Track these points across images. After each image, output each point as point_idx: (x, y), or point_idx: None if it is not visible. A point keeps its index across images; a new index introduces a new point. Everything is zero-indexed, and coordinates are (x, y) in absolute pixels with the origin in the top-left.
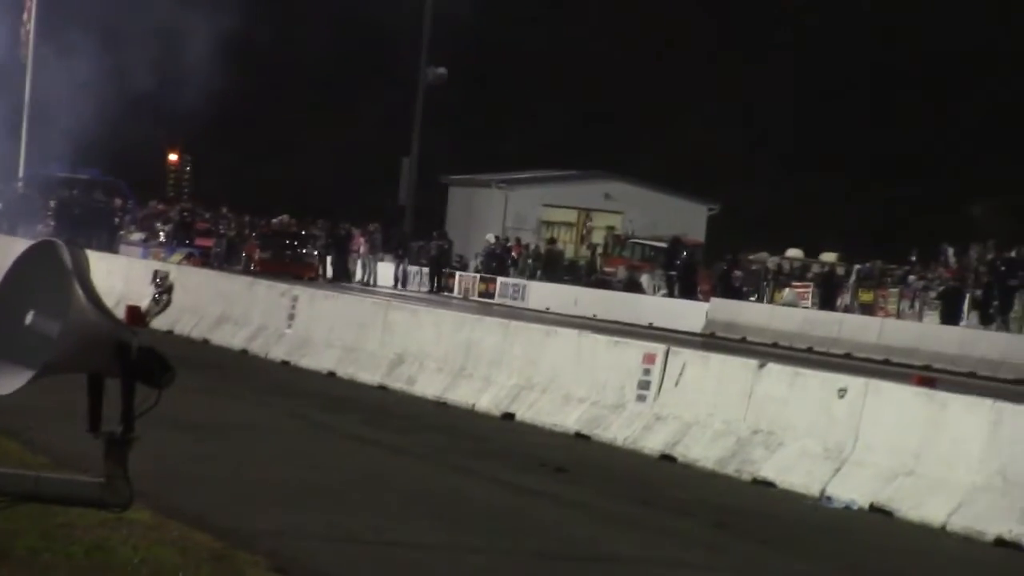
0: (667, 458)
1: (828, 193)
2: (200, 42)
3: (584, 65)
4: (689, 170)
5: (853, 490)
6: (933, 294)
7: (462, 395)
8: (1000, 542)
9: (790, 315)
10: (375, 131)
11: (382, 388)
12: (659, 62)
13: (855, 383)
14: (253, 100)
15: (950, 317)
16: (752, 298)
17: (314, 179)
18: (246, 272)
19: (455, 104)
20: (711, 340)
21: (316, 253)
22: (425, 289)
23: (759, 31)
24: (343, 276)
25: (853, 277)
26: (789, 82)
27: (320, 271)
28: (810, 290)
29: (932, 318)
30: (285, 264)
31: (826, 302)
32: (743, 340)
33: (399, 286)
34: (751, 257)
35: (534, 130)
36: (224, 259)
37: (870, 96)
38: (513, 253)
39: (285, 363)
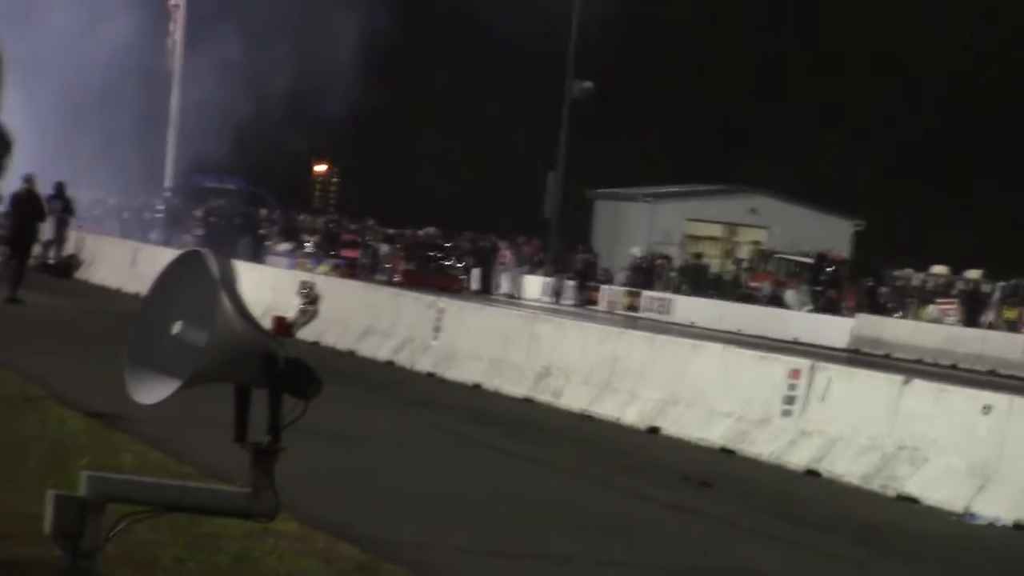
0: (812, 473)
1: (974, 210)
2: (348, 54)
3: (731, 79)
4: (835, 186)
5: (998, 507)
6: None
7: (608, 408)
8: None
9: (935, 332)
10: (521, 144)
11: (528, 401)
12: (807, 77)
13: (1000, 400)
14: (400, 112)
15: None
16: (897, 314)
17: (460, 192)
18: (390, 283)
19: (602, 117)
20: (856, 356)
21: (460, 265)
22: (570, 302)
23: (904, 49)
24: (488, 289)
25: (998, 294)
26: (937, 99)
27: (464, 283)
28: (955, 307)
29: None
30: (429, 276)
31: (971, 319)
32: (887, 356)
33: (557, 300)
34: (896, 273)
35: (681, 144)
36: (370, 270)
37: (1019, 112)
38: (659, 267)
39: (431, 375)
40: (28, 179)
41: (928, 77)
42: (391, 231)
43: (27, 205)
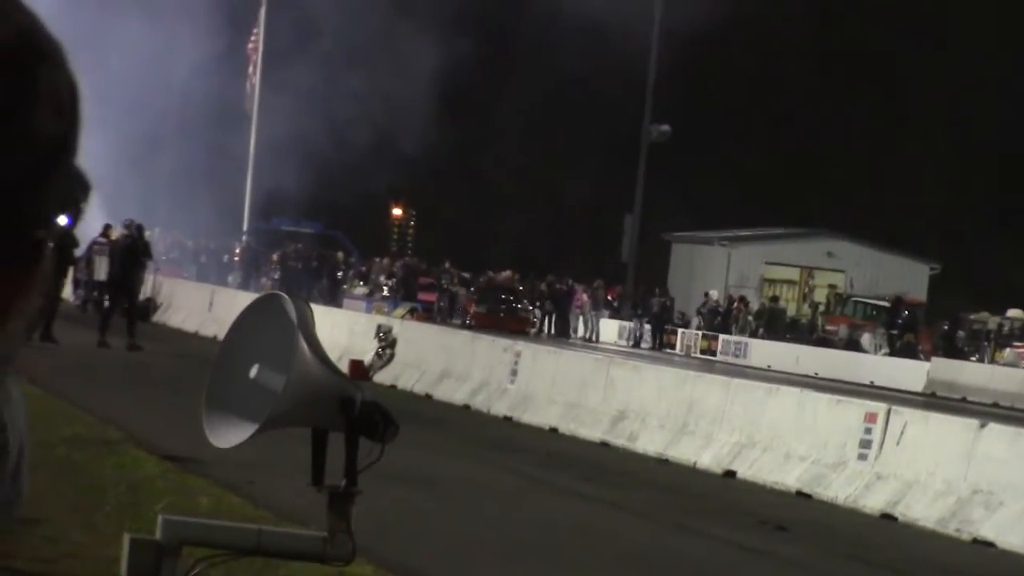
0: (887, 517)
1: None
2: (423, 98)
3: (810, 122)
4: (911, 229)
5: None
6: None
7: (683, 452)
8: None
9: (1011, 375)
10: (598, 187)
11: (603, 444)
12: (882, 120)
13: None
14: (477, 155)
15: None
16: (973, 358)
17: (537, 235)
18: (463, 326)
19: (679, 160)
20: (932, 400)
21: (532, 308)
22: (647, 346)
23: (981, 89)
24: (565, 332)
25: None
26: (1011, 141)
27: (537, 326)
28: None
29: None
30: (500, 318)
31: None
32: (963, 400)
33: (635, 344)
34: (972, 317)
35: (758, 187)
36: (446, 314)
37: None
38: (736, 310)
39: (507, 418)
40: (128, 225)
41: (1002, 119)
42: (467, 274)
43: (127, 251)
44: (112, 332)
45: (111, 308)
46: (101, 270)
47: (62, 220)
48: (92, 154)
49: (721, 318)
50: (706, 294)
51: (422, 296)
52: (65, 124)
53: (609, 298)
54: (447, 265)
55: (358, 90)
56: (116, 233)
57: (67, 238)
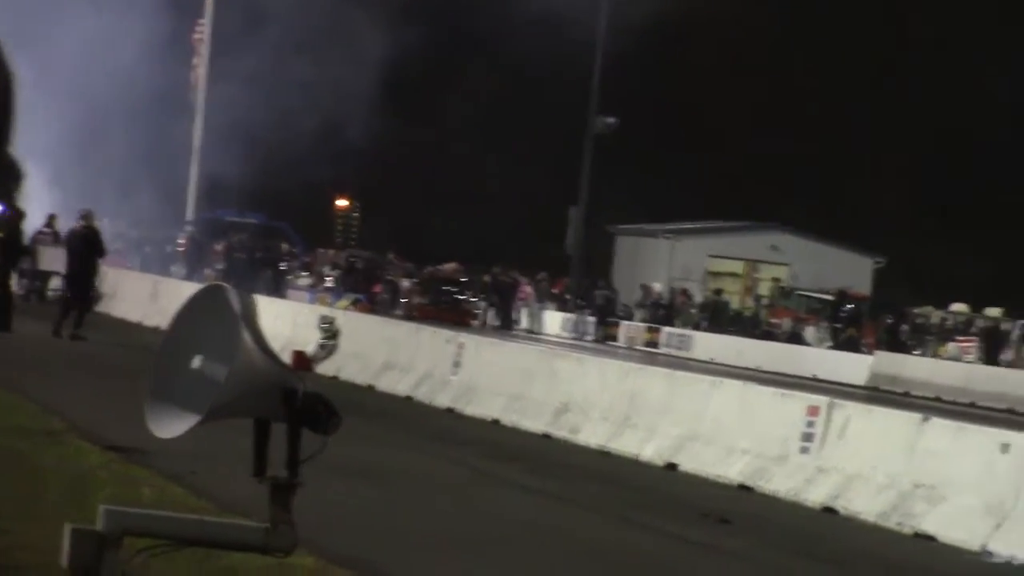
0: (829, 511)
1: (994, 247)
2: (369, 88)
3: (753, 115)
4: (855, 223)
5: (1015, 546)
6: None
7: (626, 445)
8: None
9: (954, 369)
10: (543, 179)
11: (546, 436)
12: (826, 112)
13: (1018, 439)
14: (422, 147)
15: None
16: (916, 352)
17: (480, 227)
18: (407, 318)
19: (624, 153)
20: (875, 393)
21: (475, 299)
22: (590, 338)
23: (932, 82)
24: (508, 324)
25: (1018, 332)
26: (956, 134)
27: (480, 318)
28: (974, 344)
29: None
30: (444, 310)
31: (990, 357)
32: (906, 394)
33: (578, 336)
34: (916, 311)
35: (702, 180)
36: (390, 305)
37: None
38: (679, 302)
39: (450, 410)
40: (86, 215)
41: (948, 110)
42: (410, 265)
43: (84, 241)
44: (46, 320)
45: (71, 299)
46: (47, 261)
47: None
48: (33, 141)
49: (664, 311)
50: (644, 287)
51: (364, 288)
52: None
53: (555, 291)
54: (391, 256)
55: (304, 80)
56: (60, 224)
57: (13, 228)
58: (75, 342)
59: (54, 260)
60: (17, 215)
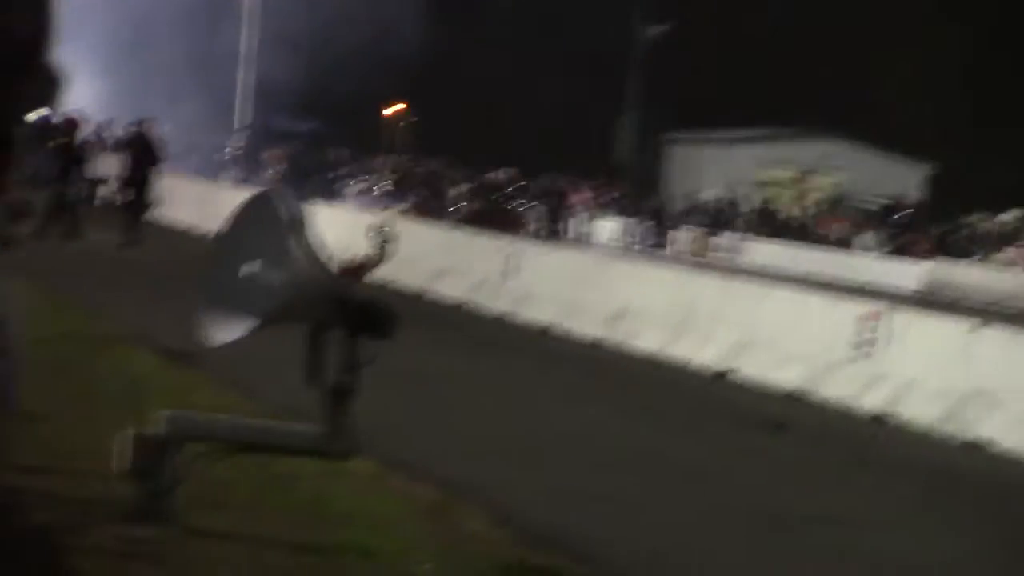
0: (883, 417)
1: None
2: None
3: (805, 21)
4: (909, 129)
5: None
6: None
7: (680, 351)
8: None
9: (1006, 277)
10: (593, 88)
11: (599, 343)
12: (876, 17)
13: None
14: (470, 54)
15: None
16: (970, 259)
17: (531, 136)
18: (460, 224)
19: (676, 61)
20: (929, 300)
21: (525, 207)
22: (641, 245)
23: None
24: (557, 231)
25: None
26: (1014, 43)
27: (531, 225)
28: None
29: None
30: (494, 217)
31: None
32: (960, 301)
33: (630, 243)
34: (970, 218)
35: (754, 88)
36: (442, 211)
37: None
38: (731, 210)
39: (504, 316)
40: (144, 121)
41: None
42: (463, 173)
43: (141, 147)
44: (107, 228)
45: (133, 206)
46: (97, 167)
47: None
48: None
49: (716, 218)
50: (687, 196)
51: (417, 194)
52: (39, 23)
53: (613, 196)
54: (444, 164)
55: None
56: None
57: (71, 135)
58: (131, 247)
59: (104, 166)
60: (73, 123)
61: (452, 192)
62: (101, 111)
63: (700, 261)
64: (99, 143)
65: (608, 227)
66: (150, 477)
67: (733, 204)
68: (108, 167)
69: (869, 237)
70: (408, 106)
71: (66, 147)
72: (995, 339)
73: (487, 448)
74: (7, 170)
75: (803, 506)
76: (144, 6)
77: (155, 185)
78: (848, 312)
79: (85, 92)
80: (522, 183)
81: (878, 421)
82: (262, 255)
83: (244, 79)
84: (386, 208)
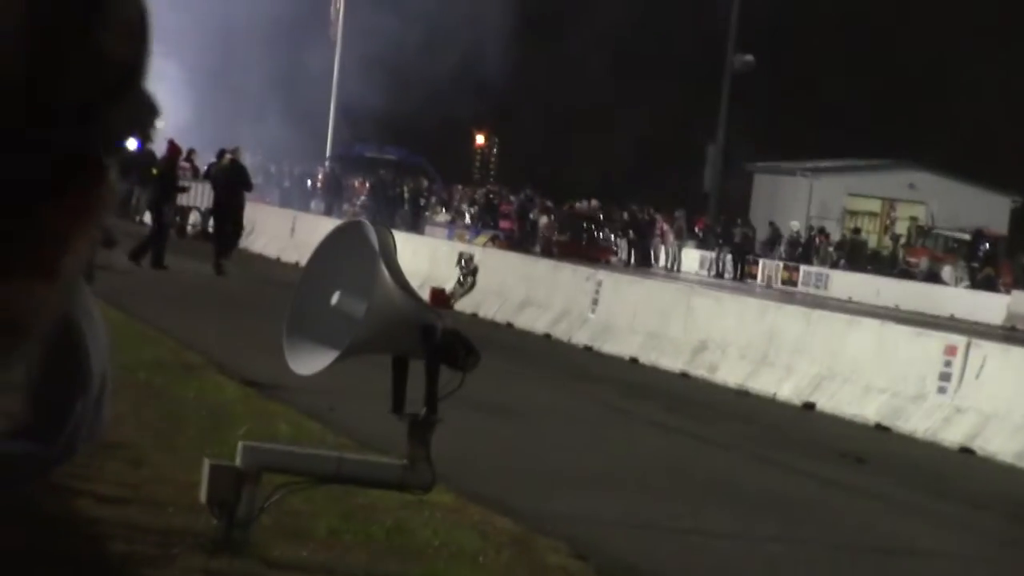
0: (966, 451)
1: None
2: (506, 23)
3: (893, 52)
4: (994, 161)
5: None
6: None
7: (763, 383)
8: None
9: None
10: (682, 117)
11: (684, 375)
12: (968, 50)
13: None
14: (560, 85)
15: None
16: None
17: (618, 164)
18: (544, 254)
19: (762, 91)
20: (1012, 333)
21: (613, 237)
22: (728, 276)
23: None
24: (645, 261)
25: None
26: None
27: (617, 255)
28: None
29: None
30: (581, 247)
31: None
32: None
33: (720, 275)
34: None
35: (841, 118)
36: (528, 242)
37: None
38: (817, 241)
39: (588, 348)
40: (234, 150)
41: None
42: (549, 203)
43: (231, 176)
44: (196, 257)
45: (222, 235)
46: (186, 195)
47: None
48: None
49: (802, 249)
50: (771, 225)
51: (504, 224)
52: (135, 48)
53: (696, 229)
54: (529, 193)
55: (440, 16)
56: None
57: (170, 166)
58: (221, 276)
59: (194, 195)
60: (175, 153)
61: (541, 222)
62: (189, 138)
63: (785, 292)
64: (189, 170)
65: (695, 256)
66: (229, 508)
67: (823, 233)
68: (198, 195)
69: (955, 268)
70: (491, 135)
71: (167, 174)
72: None
73: (570, 481)
74: (100, 198)
75: (884, 538)
76: (231, 31)
77: (244, 214)
78: (932, 345)
79: (173, 118)
80: (605, 213)
81: (965, 453)
82: (349, 285)
83: (334, 109)
84: (471, 237)
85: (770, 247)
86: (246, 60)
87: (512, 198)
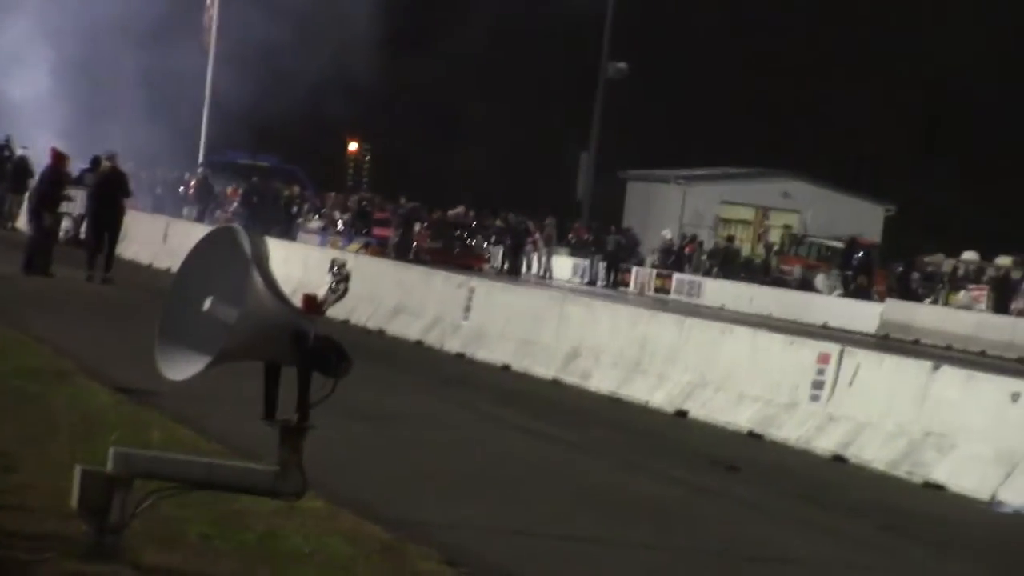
0: (839, 459)
1: (1005, 195)
2: (377, 30)
3: (764, 61)
4: (867, 170)
5: None
6: None
7: (636, 391)
8: None
9: (964, 318)
10: (554, 125)
11: (556, 382)
12: (836, 59)
13: None
14: (432, 92)
15: None
16: (927, 300)
17: (491, 172)
18: (416, 261)
19: (635, 99)
20: (885, 341)
21: (486, 244)
22: (601, 284)
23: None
24: (517, 269)
25: None
26: (970, 81)
27: (490, 262)
28: (985, 293)
29: None
30: (454, 254)
31: (1001, 306)
32: (916, 342)
33: (593, 283)
34: (927, 259)
35: (714, 126)
36: (400, 249)
37: None
38: (686, 250)
39: (460, 355)
40: (111, 157)
41: (958, 57)
42: (416, 206)
43: (110, 184)
44: (71, 264)
45: (97, 242)
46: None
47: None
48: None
49: (675, 257)
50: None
51: (377, 232)
52: None
53: (572, 236)
54: (402, 200)
55: (314, 24)
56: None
57: (21, 164)
58: (95, 284)
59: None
60: (60, 160)
61: (414, 229)
62: (59, 139)
63: (658, 300)
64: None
65: (568, 264)
66: (100, 514)
67: (693, 241)
68: (72, 202)
69: (829, 277)
70: (363, 142)
71: (52, 181)
72: (951, 381)
73: (442, 487)
74: None
75: (758, 546)
76: (101, 26)
77: (120, 220)
78: (805, 353)
79: (42, 120)
80: (478, 221)
81: (838, 461)
82: (220, 291)
83: (207, 116)
84: (344, 245)
85: (647, 254)
86: (115, 58)
87: (391, 206)
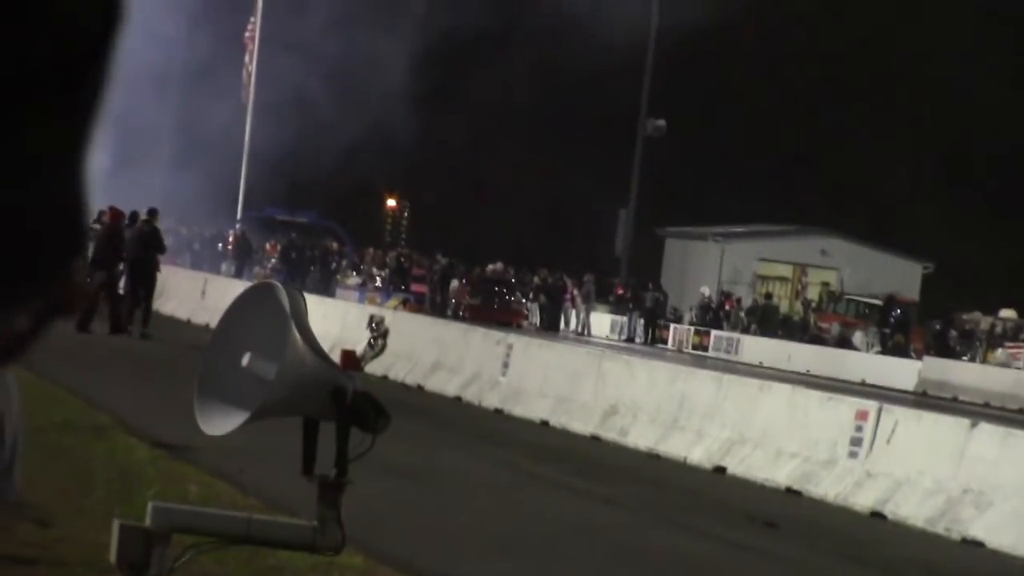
0: (877, 515)
1: None
2: (417, 89)
3: (802, 119)
4: (905, 227)
5: None
6: None
7: (674, 447)
8: None
9: (1002, 375)
10: (592, 181)
11: (594, 438)
12: (878, 117)
13: None
14: (471, 148)
15: None
16: (964, 357)
17: (529, 228)
18: (455, 317)
19: (673, 156)
20: (923, 399)
21: (524, 301)
22: (639, 340)
23: (980, 88)
24: (555, 325)
25: None
26: (1008, 139)
27: (528, 318)
28: (1022, 351)
29: None
30: (494, 311)
31: None
32: (955, 399)
33: (631, 339)
34: (964, 317)
35: (752, 184)
36: (440, 306)
37: None
38: (725, 307)
39: (498, 411)
40: (152, 212)
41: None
42: (460, 266)
43: (145, 239)
44: (106, 318)
45: (135, 297)
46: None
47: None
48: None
49: (713, 314)
50: (701, 293)
51: (415, 287)
52: (102, 13)
53: (619, 292)
54: (439, 257)
55: (352, 80)
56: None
57: (112, 236)
58: (132, 339)
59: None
60: (116, 217)
61: (452, 285)
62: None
63: (696, 357)
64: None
65: (606, 321)
66: (139, 569)
67: (730, 297)
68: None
69: (867, 334)
70: (402, 198)
71: (110, 242)
72: (989, 438)
73: (479, 544)
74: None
75: None
76: (145, 99)
77: (155, 276)
78: (843, 410)
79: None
80: (517, 277)
81: (876, 518)
82: (259, 347)
83: (246, 172)
84: (382, 301)
85: (686, 311)
86: (154, 110)
87: (426, 262)
